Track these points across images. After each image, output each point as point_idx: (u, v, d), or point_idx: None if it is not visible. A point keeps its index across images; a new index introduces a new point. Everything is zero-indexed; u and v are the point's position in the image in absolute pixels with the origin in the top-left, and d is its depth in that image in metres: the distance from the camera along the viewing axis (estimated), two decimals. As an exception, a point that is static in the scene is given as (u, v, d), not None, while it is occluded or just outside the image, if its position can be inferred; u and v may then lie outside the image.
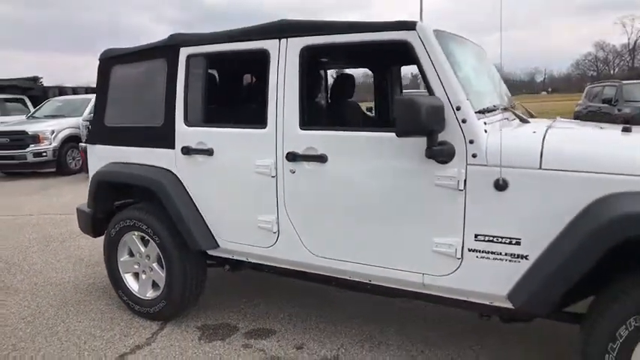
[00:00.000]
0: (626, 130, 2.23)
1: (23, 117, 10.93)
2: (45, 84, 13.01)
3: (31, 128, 9.45)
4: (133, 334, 3.02)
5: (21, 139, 9.35)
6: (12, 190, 8.52)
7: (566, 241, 1.91)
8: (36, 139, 9.27)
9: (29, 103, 11.77)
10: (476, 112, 2.16)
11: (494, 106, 2.39)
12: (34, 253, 4.74)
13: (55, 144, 9.40)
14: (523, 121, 2.47)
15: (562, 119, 3.02)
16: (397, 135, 2.04)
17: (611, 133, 2.26)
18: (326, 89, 3.40)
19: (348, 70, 3.77)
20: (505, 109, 2.61)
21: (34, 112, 10.94)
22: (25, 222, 5.97)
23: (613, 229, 1.76)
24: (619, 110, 10.99)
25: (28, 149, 9.32)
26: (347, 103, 3.48)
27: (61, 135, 9.59)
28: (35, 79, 12.28)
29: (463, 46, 2.57)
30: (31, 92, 11.98)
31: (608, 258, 1.80)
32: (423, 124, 1.99)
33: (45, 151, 9.39)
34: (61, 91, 12.31)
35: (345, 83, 3.50)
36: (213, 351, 2.78)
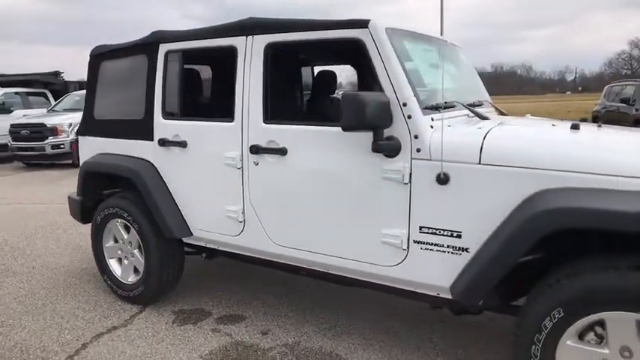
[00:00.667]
0: (574, 127, 2.26)
1: (44, 110, 11.34)
2: (67, 79, 13.48)
3: (50, 121, 9.82)
4: (112, 315, 3.18)
5: (40, 132, 9.73)
6: (29, 180, 8.88)
7: (499, 234, 1.97)
8: (54, 131, 9.63)
9: (50, 97, 12.21)
10: (426, 108, 2.23)
11: (449, 102, 2.44)
12: (38, 239, 4.98)
13: (72, 136, 9.72)
14: (483, 118, 2.51)
15: (531, 117, 3.04)
16: (343, 129, 2.13)
17: (559, 130, 2.29)
18: (300, 85, 3.48)
19: (331, 67, 3.87)
20: (474, 106, 2.67)
21: (54, 106, 11.35)
22: (35, 210, 6.25)
23: (539, 222, 1.81)
24: (637, 110, 10.74)
25: (46, 141, 9.69)
26: (327, 99, 3.57)
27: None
28: (57, 74, 12.72)
29: (423, 44, 2.63)
30: (53, 86, 12.42)
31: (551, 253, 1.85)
32: (368, 119, 2.07)
33: (62, 144, 9.74)
34: (82, 85, 12.68)
35: (326, 79, 3.59)
36: (183, 334, 2.92)
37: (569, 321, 1.81)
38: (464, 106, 2.50)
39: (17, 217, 5.92)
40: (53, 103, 11.88)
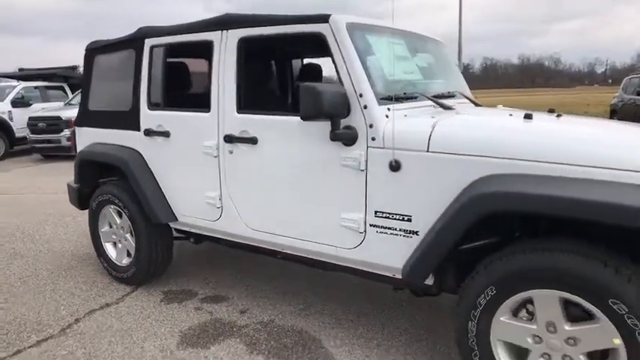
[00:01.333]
0: (527, 117, 2.35)
1: (61, 104, 11.73)
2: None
3: (65, 114, 10.17)
4: (107, 295, 3.41)
5: (56, 124, 10.10)
6: (46, 171, 9.26)
7: (442, 218, 2.09)
8: (69, 123, 9.96)
9: (68, 91, 12.60)
10: (383, 99, 2.35)
11: (409, 94, 2.55)
12: (47, 225, 5.26)
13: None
14: (447, 108, 2.61)
15: (503, 107, 3.13)
16: (301, 119, 2.26)
17: (511, 120, 2.38)
18: (272, 77, 3.62)
19: (316, 60, 4.00)
20: (443, 97, 2.77)
21: (70, 99, 11.72)
22: (47, 199, 6.56)
23: (473, 206, 1.93)
24: (654, 102, 10.52)
25: (62, 133, 10.06)
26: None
27: (93, 120, 10.25)
28: (74, 68, 13.09)
29: (390, 37, 2.73)
30: (71, 80, 12.79)
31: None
32: (325, 109, 2.20)
33: (78, 135, 10.07)
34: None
35: (311, 72, 3.72)
36: (168, 311, 3.12)
37: (501, 298, 1.93)
38: (427, 97, 2.61)
39: (31, 205, 6.23)
40: (71, 96, 12.26)
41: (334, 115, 2.26)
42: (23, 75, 13.10)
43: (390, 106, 2.35)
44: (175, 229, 3.42)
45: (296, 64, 3.92)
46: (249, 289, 3.43)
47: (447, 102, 2.77)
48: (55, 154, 10.40)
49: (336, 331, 2.81)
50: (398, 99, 2.46)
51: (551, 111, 2.71)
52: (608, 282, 1.69)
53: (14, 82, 12.42)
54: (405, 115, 2.36)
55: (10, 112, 11.38)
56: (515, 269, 1.87)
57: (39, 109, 11.39)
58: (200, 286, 3.50)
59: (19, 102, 11.56)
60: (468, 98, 3.08)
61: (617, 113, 11.92)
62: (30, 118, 10.50)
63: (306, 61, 3.97)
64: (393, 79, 2.54)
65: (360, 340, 2.71)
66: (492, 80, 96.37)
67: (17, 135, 11.29)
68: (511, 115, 2.49)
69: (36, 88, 12.24)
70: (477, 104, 3.12)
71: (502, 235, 2.17)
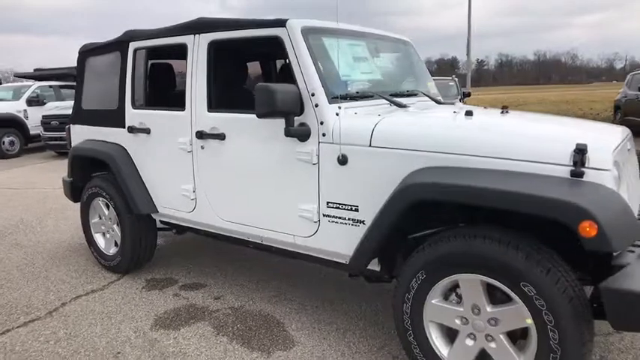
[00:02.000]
0: (468, 114, 2.49)
1: (74, 102, 12.10)
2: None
3: (76, 112, 10.51)
4: (94, 282, 3.64)
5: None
6: (55, 167, 9.60)
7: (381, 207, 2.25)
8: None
9: (81, 90, 13.00)
10: (335, 98, 2.51)
11: (362, 92, 2.71)
12: (50, 218, 5.54)
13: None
14: (401, 106, 2.76)
15: (462, 105, 3.26)
16: (257, 117, 2.44)
17: (453, 117, 2.52)
18: (241, 77, 3.77)
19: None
20: (400, 95, 2.93)
21: (83, 98, 12.09)
22: (53, 194, 6.85)
23: (401, 196, 2.09)
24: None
25: (73, 131, 10.39)
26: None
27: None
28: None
29: (350, 40, 2.89)
30: (84, 79, 13.19)
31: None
32: (278, 107, 2.37)
33: (88, 133, 10.42)
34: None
35: (288, 72, 3.89)
36: (148, 297, 3.33)
37: (431, 282, 2.08)
38: (381, 96, 2.76)
39: (38, 199, 6.54)
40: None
41: (287, 112, 2.42)
42: (38, 75, 13.53)
43: (341, 105, 2.51)
44: (160, 221, 3.62)
45: (263, 65, 4.11)
46: (226, 277, 3.63)
47: (406, 100, 2.93)
48: (66, 150, 10.73)
49: (300, 316, 2.98)
50: (352, 98, 2.62)
51: (504, 107, 2.83)
52: (520, 266, 1.83)
53: (30, 82, 12.86)
54: (355, 113, 2.52)
55: (25, 110, 11.81)
56: (441, 254, 2.02)
57: (52, 107, 11.78)
58: (181, 275, 3.71)
59: (34, 101, 11.97)
60: (429, 96, 3.21)
61: (621, 109, 11.84)
62: (43, 117, 10.89)
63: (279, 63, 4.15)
64: (347, 80, 2.70)
65: (320, 324, 2.88)
66: (507, 77, 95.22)
67: (32, 132, 11.71)
68: (455, 112, 2.63)
69: (50, 87, 12.65)
70: (438, 102, 3.25)
71: (448, 224, 2.31)
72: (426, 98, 3.20)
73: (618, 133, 2.29)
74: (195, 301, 3.24)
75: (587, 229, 1.64)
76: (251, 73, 3.83)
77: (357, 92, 2.66)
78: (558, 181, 1.86)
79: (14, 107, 11.64)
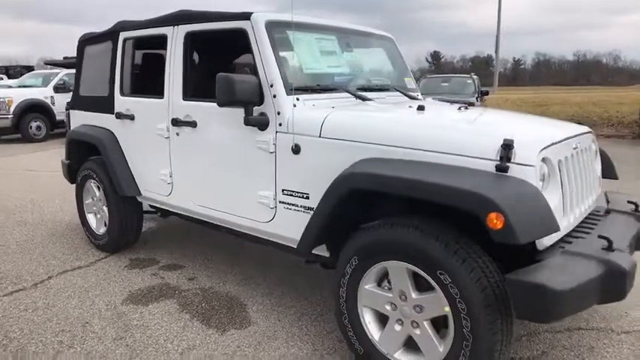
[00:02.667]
0: (420, 108, 2.55)
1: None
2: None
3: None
4: (82, 259, 3.86)
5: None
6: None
7: (326, 195, 2.34)
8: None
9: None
10: (295, 89, 2.61)
11: (323, 85, 2.80)
12: (56, 199, 5.83)
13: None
14: (364, 99, 2.84)
15: (430, 100, 3.30)
16: (217, 105, 2.56)
17: (404, 111, 2.58)
18: (217, 69, 3.87)
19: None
20: (368, 90, 3.00)
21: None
22: (61, 177, 7.17)
23: (338, 184, 2.18)
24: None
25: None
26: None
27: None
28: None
29: (318, 34, 2.98)
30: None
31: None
32: (237, 97, 2.49)
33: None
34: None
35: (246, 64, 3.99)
36: (127, 275, 3.52)
37: (363, 268, 2.16)
38: (345, 89, 2.84)
39: (51, 182, 6.85)
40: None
41: (246, 102, 2.54)
42: (67, 63, 14.06)
43: (300, 97, 2.61)
44: (150, 205, 3.80)
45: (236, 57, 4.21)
46: (205, 261, 3.78)
47: (375, 95, 3.01)
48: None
49: (264, 299, 3.11)
50: (314, 90, 2.72)
51: (466, 104, 2.87)
52: (438, 255, 1.89)
53: (57, 70, 13.38)
54: (314, 105, 2.62)
55: (52, 97, 12.29)
56: (371, 242, 2.11)
57: (77, 95, 12.23)
58: (164, 256, 3.89)
59: (61, 87, 12.44)
60: (401, 92, 3.26)
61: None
62: (68, 103, 11.33)
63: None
64: (309, 72, 2.80)
65: (280, 307, 2.99)
66: (544, 77, 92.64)
67: (58, 118, 12.18)
68: (410, 107, 2.68)
69: (77, 75, 13.14)
70: (412, 97, 3.30)
71: (396, 215, 2.38)
72: (398, 93, 3.26)
73: (566, 132, 2.31)
74: (169, 281, 3.41)
75: (495, 220, 1.70)
76: (227, 65, 3.93)
77: (318, 85, 2.75)
78: (481, 174, 1.91)
79: (42, 93, 12.13)
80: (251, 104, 2.56)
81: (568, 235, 2.20)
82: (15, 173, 7.62)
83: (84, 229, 4.18)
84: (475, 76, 11.95)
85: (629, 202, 2.65)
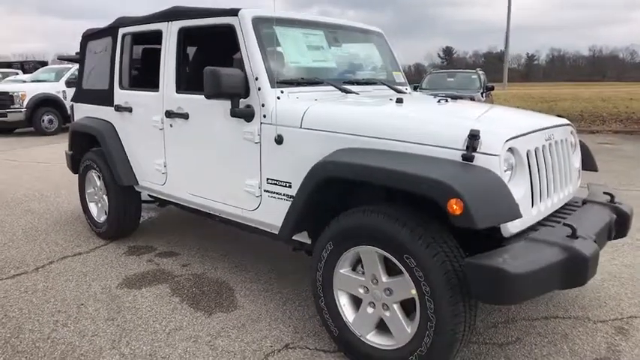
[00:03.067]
0: (399, 101, 2.63)
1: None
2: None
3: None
4: (83, 245, 4.01)
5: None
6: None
7: (305, 183, 2.43)
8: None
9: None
10: (281, 82, 2.71)
11: (307, 79, 2.89)
12: (63, 189, 6.01)
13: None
14: (348, 92, 2.93)
15: (417, 94, 3.37)
16: (205, 97, 2.66)
17: (382, 104, 2.67)
18: (209, 63, 3.96)
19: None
20: (355, 83, 3.09)
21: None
22: (75, 168, 7.37)
23: (312, 173, 2.28)
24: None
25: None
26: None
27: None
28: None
29: (303, 29, 3.07)
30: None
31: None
32: (223, 89, 2.59)
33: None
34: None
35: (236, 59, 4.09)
36: (125, 261, 3.66)
37: (337, 253, 2.26)
38: (329, 83, 2.93)
39: (60, 173, 7.05)
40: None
41: (232, 94, 2.64)
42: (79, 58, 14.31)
43: (285, 89, 2.71)
44: (149, 195, 3.93)
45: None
46: (200, 249, 3.91)
47: (361, 88, 3.10)
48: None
49: (251, 284, 3.22)
50: (299, 83, 2.81)
51: (444, 97, 2.94)
52: (404, 239, 1.98)
53: (70, 65, 13.63)
54: (297, 98, 2.71)
55: (64, 91, 12.54)
56: (344, 227, 2.20)
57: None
58: (161, 244, 4.02)
59: (73, 82, 12.67)
60: (388, 85, 3.34)
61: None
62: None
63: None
64: (294, 66, 2.89)
65: (267, 293, 3.11)
66: (558, 73, 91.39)
67: (69, 112, 12.44)
68: (391, 99, 2.76)
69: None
70: (399, 91, 3.37)
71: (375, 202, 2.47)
72: (385, 87, 3.34)
73: (538, 124, 2.38)
74: (164, 267, 3.54)
75: (454, 206, 1.78)
76: (218, 59, 4.04)
77: (303, 78, 2.84)
78: (448, 163, 2.00)
79: (54, 88, 12.40)
80: (237, 97, 2.66)
81: (540, 223, 2.28)
82: (26, 165, 7.84)
83: (86, 218, 4.34)
84: (481, 72, 11.93)
85: (605, 193, 2.70)
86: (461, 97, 9.22)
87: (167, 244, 4.02)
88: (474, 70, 12.05)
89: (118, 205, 3.89)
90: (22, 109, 11.65)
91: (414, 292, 2.02)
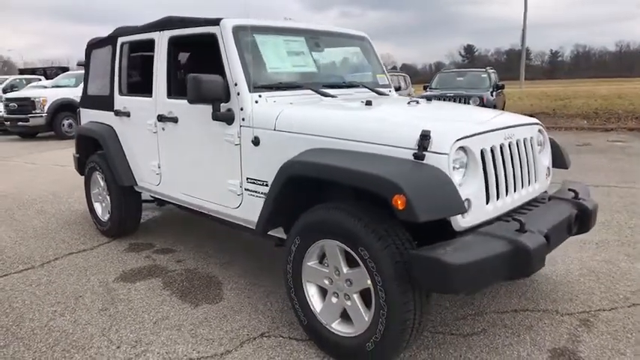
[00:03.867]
0: (368, 103, 2.77)
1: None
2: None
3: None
4: (88, 243, 4.26)
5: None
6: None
7: (278, 182, 2.60)
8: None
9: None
10: (259, 87, 2.88)
11: (286, 83, 3.05)
12: (77, 191, 6.28)
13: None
14: (325, 95, 3.09)
15: (395, 96, 3.50)
16: (188, 102, 2.85)
17: (352, 106, 2.81)
18: (196, 69, 4.15)
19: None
20: (333, 87, 3.25)
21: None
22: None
23: (281, 172, 2.44)
24: None
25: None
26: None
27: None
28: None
29: (284, 36, 3.23)
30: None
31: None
32: (204, 94, 2.78)
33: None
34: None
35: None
36: (124, 257, 3.89)
37: (304, 246, 2.41)
38: (308, 87, 3.09)
39: (73, 176, 7.26)
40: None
41: (214, 99, 2.82)
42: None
43: (263, 94, 2.88)
44: (150, 195, 4.14)
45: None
46: (196, 246, 4.11)
47: (343, 91, 3.25)
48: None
49: (239, 279, 3.40)
50: (278, 88, 2.98)
51: (415, 99, 3.08)
52: (359, 233, 2.12)
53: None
54: (275, 102, 2.88)
55: (82, 96, 13.00)
56: (309, 222, 2.36)
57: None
58: (160, 242, 4.24)
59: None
60: (369, 88, 3.47)
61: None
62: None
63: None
64: (273, 72, 3.06)
65: (253, 287, 3.28)
66: (583, 69, 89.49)
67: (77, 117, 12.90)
68: (362, 101, 2.90)
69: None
70: (380, 93, 3.50)
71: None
72: (366, 90, 3.48)
73: (498, 123, 2.48)
74: (159, 263, 3.75)
75: (399, 201, 1.92)
76: (205, 66, 4.23)
77: (281, 83, 3.01)
78: (399, 161, 2.13)
79: (73, 93, 12.81)
80: (218, 101, 2.85)
81: (500, 218, 2.39)
82: (44, 167, 8.21)
83: (92, 217, 4.59)
84: (491, 70, 11.91)
85: (569, 189, 2.79)
86: (469, 97, 9.44)
87: (166, 242, 4.24)
88: (483, 69, 12.04)
89: (120, 205, 4.13)
90: (43, 114, 12.14)
91: (369, 282, 2.16)
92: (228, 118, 2.89)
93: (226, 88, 2.87)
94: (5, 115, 12.47)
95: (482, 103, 10.44)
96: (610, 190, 5.72)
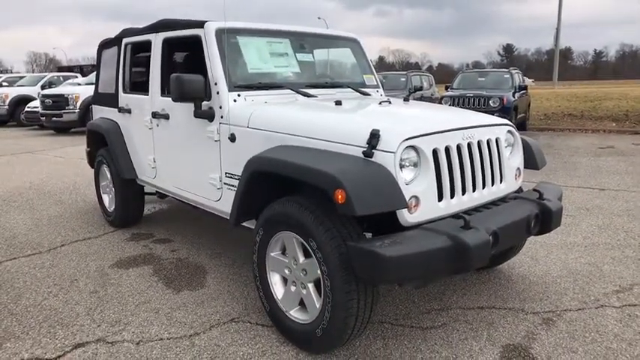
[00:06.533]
0: (337, 103, 2.89)
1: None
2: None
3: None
4: (94, 231, 4.54)
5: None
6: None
7: (248, 177, 2.75)
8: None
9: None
10: (238, 87, 3.05)
11: (265, 83, 3.20)
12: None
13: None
14: (309, 96, 3.22)
15: (373, 96, 3.58)
16: (172, 101, 3.05)
17: (323, 105, 2.93)
18: (187, 69, 4.33)
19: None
20: (317, 87, 3.38)
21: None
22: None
23: (246, 167, 2.59)
24: None
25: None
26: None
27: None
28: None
29: (268, 38, 3.38)
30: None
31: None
32: (186, 93, 2.96)
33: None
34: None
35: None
36: (124, 245, 4.14)
37: (267, 238, 2.56)
38: (288, 87, 3.23)
39: (86, 169, 7.76)
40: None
41: (196, 97, 3.00)
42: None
43: (242, 93, 3.04)
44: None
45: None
46: (194, 238, 4.32)
47: (327, 91, 3.39)
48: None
49: (224, 269, 3.59)
50: (258, 87, 3.14)
51: (387, 100, 3.18)
52: (309, 225, 2.25)
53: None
54: (252, 101, 3.04)
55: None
56: (269, 215, 2.50)
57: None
58: (160, 232, 4.48)
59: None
60: (353, 88, 3.59)
61: None
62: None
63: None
64: (254, 72, 3.22)
65: (235, 276, 3.45)
66: (629, 70, 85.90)
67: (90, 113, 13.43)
68: (334, 102, 3.01)
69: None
70: (364, 94, 3.61)
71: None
72: (350, 90, 3.59)
73: (455, 123, 2.55)
74: (155, 251, 3.98)
75: (339, 196, 2.04)
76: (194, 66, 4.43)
77: (260, 83, 3.17)
78: (348, 158, 2.25)
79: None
80: (199, 99, 3.03)
81: (456, 216, 2.46)
82: (70, 161, 8.66)
83: (100, 207, 4.88)
84: (515, 71, 11.72)
85: (534, 190, 2.83)
86: (489, 97, 9.42)
87: (166, 232, 4.47)
88: (506, 70, 11.85)
89: (123, 197, 4.39)
90: (76, 110, 12.73)
91: (319, 271, 2.29)
92: (208, 116, 3.06)
93: (207, 87, 3.04)
94: (41, 111, 13.16)
95: (503, 104, 10.31)
96: (617, 194, 5.62)
